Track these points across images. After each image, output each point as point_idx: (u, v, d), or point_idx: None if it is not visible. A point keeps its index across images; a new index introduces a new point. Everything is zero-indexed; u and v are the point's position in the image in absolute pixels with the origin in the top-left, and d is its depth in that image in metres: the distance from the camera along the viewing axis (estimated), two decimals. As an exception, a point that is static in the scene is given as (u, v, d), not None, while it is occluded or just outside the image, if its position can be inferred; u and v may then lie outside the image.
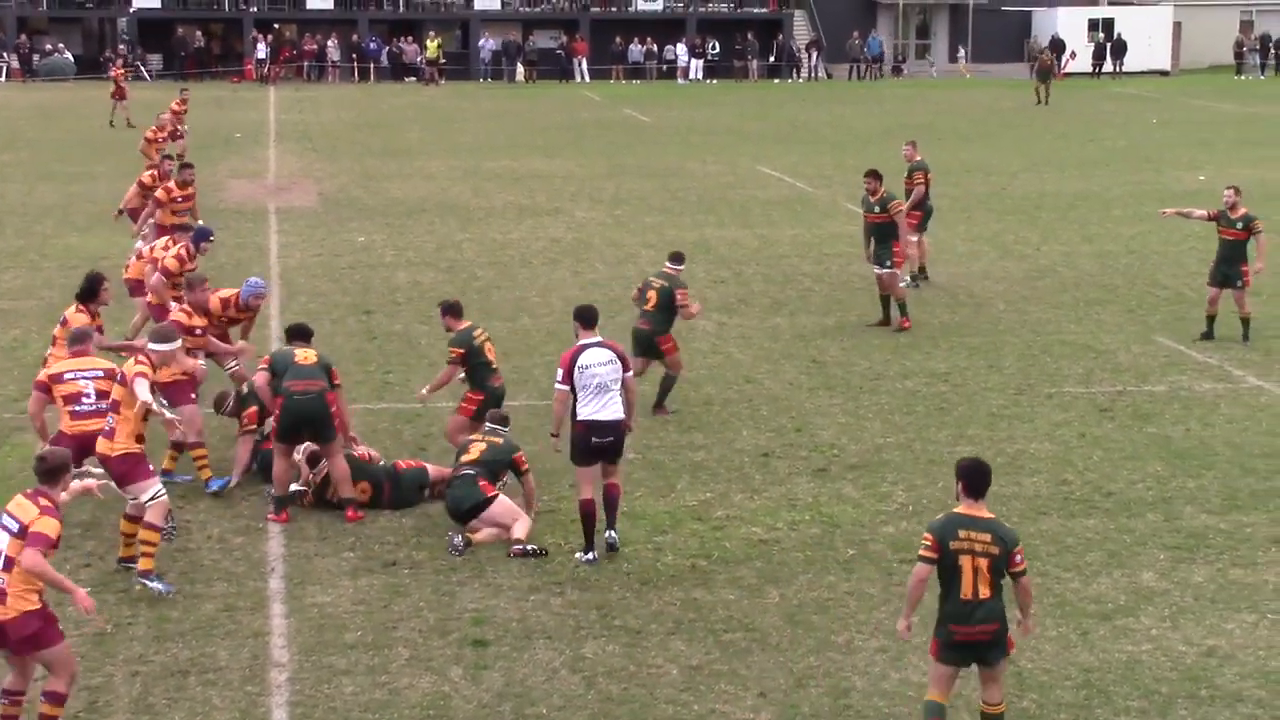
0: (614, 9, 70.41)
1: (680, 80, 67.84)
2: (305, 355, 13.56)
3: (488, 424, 13.71)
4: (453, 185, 33.59)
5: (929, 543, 8.93)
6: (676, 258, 17.05)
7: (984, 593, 8.89)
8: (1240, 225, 19.39)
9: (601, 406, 12.27)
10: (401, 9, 68.77)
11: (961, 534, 8.91)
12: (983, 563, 8.88)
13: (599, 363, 12.31)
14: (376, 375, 17.89)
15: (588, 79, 67.10)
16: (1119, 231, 28.35)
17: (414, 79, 65.43)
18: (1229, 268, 19.43)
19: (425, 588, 11.86)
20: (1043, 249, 26.63)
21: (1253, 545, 12.94)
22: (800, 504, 13.82)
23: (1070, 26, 71.42)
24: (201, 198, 32.42)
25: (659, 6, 70.36)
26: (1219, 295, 19.61)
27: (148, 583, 11.60)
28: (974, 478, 9.02)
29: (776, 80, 68.51)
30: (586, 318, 12.61)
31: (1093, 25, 72.09)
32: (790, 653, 10.82)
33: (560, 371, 12.38)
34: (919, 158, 23.43)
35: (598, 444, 12.30)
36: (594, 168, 36.78)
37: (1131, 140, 43.07)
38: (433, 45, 64.97)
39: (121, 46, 65.24)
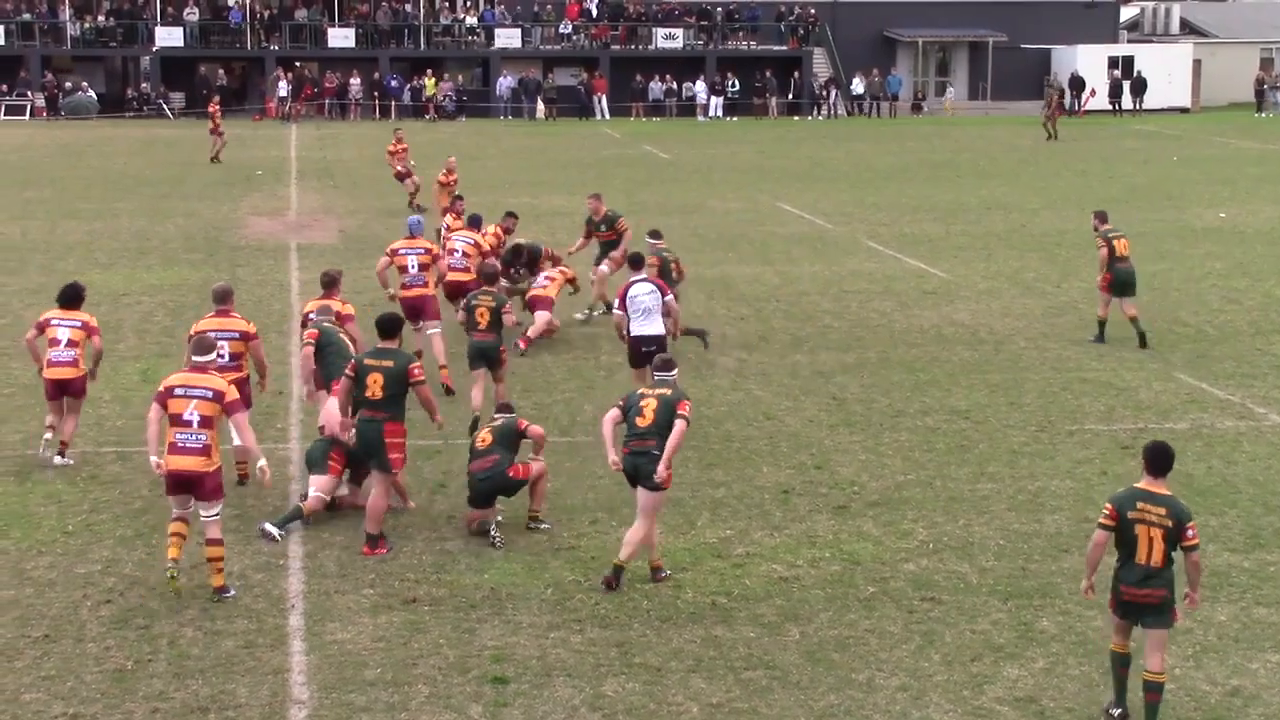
0: (634, 47, 70.77)
1: (700, 117, 68.05)
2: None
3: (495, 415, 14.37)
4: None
5: (1108, 512, 10.06)
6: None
7: (1156, 561, 9.97)
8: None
9: (648, 325, 17.13)
10: (423, 47, 69.19)
11: (1140, 505, 10.02)
12: (1157, 533, 9.96)
13: (644, 293, 17.22)
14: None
15: (608, 116, 67.33)
16: (1140, 269, 28.22)
17: (433, 116, 65.78)
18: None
19: (445, 625, 11.85)
20: (1063, 286, 26.59)
21: (1277, 584, 12.87)
22: (821, 541, 13.79)
23: (1090, 64, 71.50)
24: (222, 234, 32.53)
25: (679, 44, 70.70)
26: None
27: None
28: (1156, 458, 10.10)
29: (796, 118, 68.68)
30: (635, 262, 18.00)
31: (1112, 63, 72.17)
32: (811, 690, 10.78)
33: (616, 300, 17.47)
34: (606, 210, 23.65)
35: (646, 351, 16.75)
36: (615, 205, 36.75)
37: (1152, 177, 43.04)
38: (430, 83, 65.47)
39: (145, 85, 65.75)
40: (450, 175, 33.58)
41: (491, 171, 44.94)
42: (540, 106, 66.98)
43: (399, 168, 37.16)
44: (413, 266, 19.11)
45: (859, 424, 17.66)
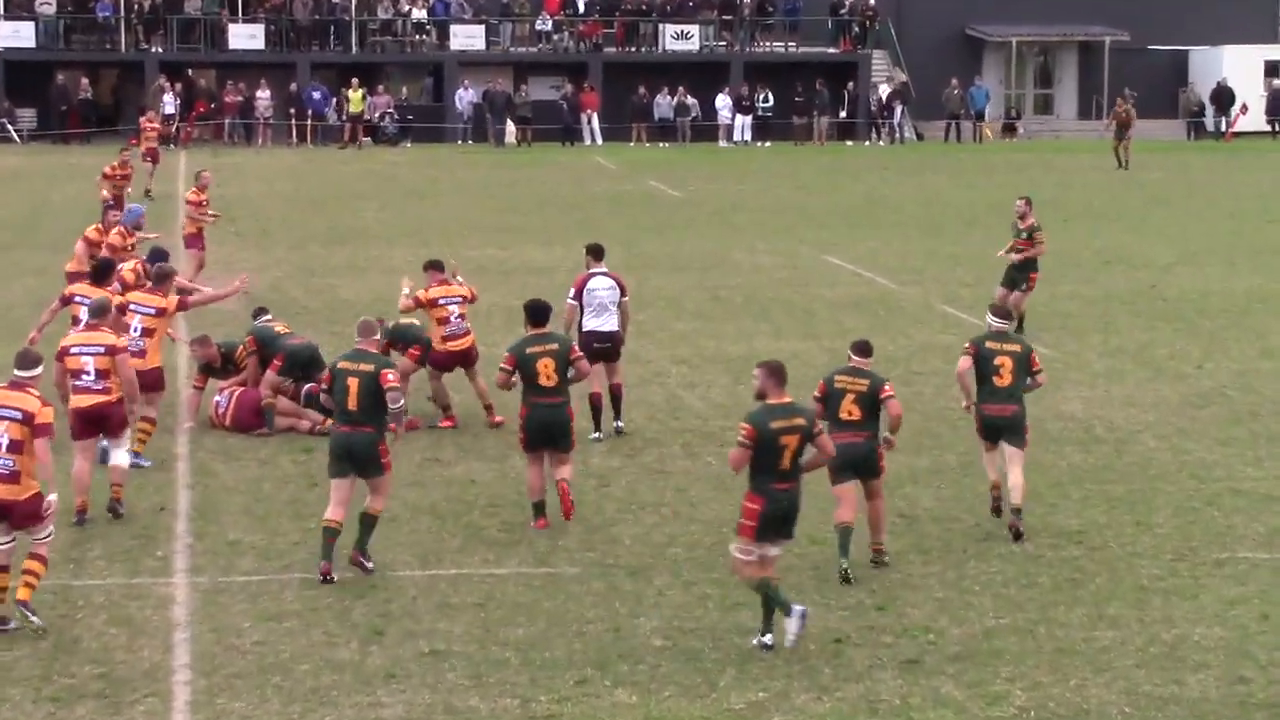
0: (635, 49, 71.36)
1: (723, 142, 68.61)
2: None
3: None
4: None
5: None
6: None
7: None
8: (1026, 236, 28.66)
9: (602, 321, 21.36)
10: (354, 50, 69.77)
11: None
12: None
13: (604, 288, 21.39)
14: (319, 533, 17.94)
15: (600, 140, 67.88)
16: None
17: (370, 139, 66.30)
18: (1018, 272, 28.71)
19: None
20: (1206, 367, 26.68)
21: None
22: (885, 707, 13.77)
23: (1240, 70, 71.80)
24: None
25: (694, 46, 71.31)
26: (1006, 295, 27.85)
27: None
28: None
29: (849, 142, 69.17)
30: (596, 252, 21.80)
31: (1270, 69, 72.66)
32: None
33: (572, 290, 21.46)
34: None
35: (599, 347, 21.04)
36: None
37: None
38: (355, 96, 66.06)
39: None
40: (202, 194, 34.16)
41: (445, 214, 45.23)
42: (510, 128, 67.53)
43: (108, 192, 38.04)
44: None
45: (935, 550, 17.66)
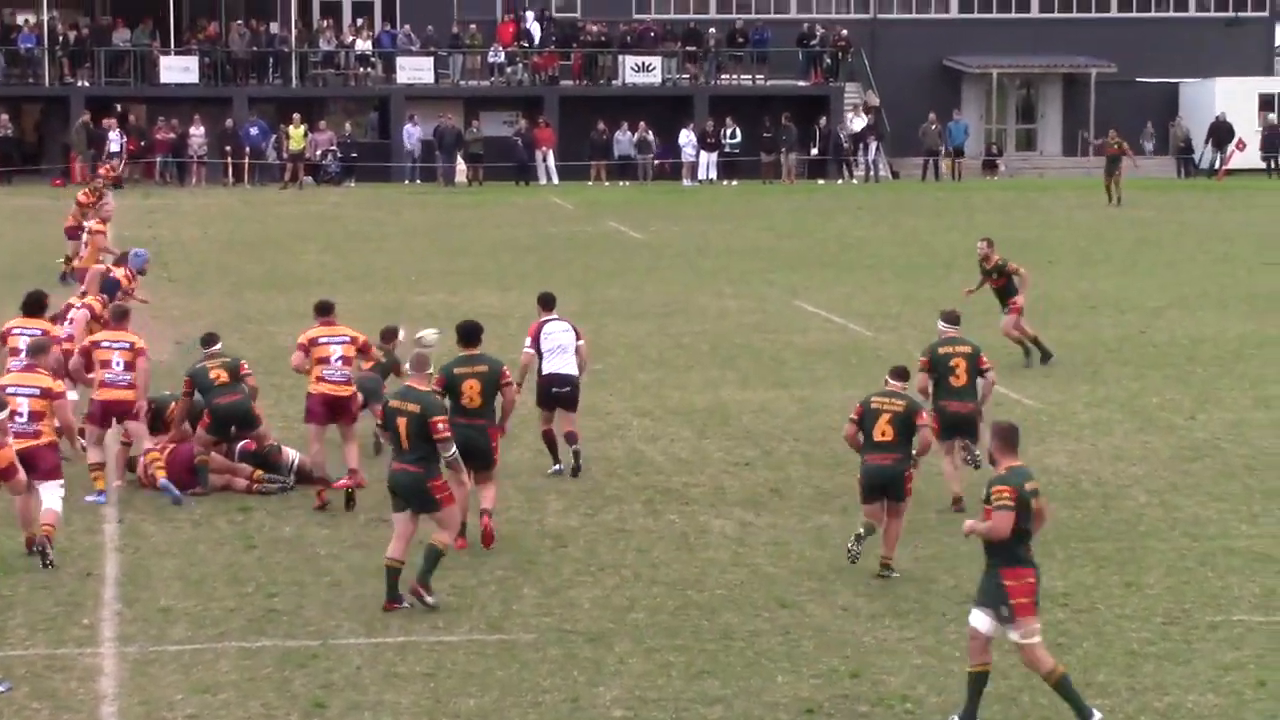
0: (593, 82, 71.49)
1: (687, 181, 68.72)
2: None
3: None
4: (366, 329, 33.79)
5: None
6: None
7: None
8: (996, 274, 30.78)
9: (561, 364, 22.26)
10: (295, 83, 69.78)
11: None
12: None
13: (560, 330, 22.49)
14: (257, 598, 17.92)
15: (556, 179, 67.96)
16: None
17: (311, 179, 66.30)
18: (1001, 303, 31.04)
19: None
20: (1199, 417, 26.77)
21: None
22: (859, 782, 13.76)
23: (1234, 103, 72.07)
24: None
25: (656, 79, 71.47)
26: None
27: None
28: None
29: (821, 181, 69.36)
30: (546, 301, 22.87)
31: (1265, 102, 73.03)
32: None
33: (528, 339, 22.48)
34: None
35: (556, 393, 22.22)
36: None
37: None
38: (297, 133, 66.06)
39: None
40: (91, 196, 35.82)
41: (392, 258, 45.21)
42: (461, 166, 67.61)
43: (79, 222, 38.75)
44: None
45: (913, 613, 17.68)
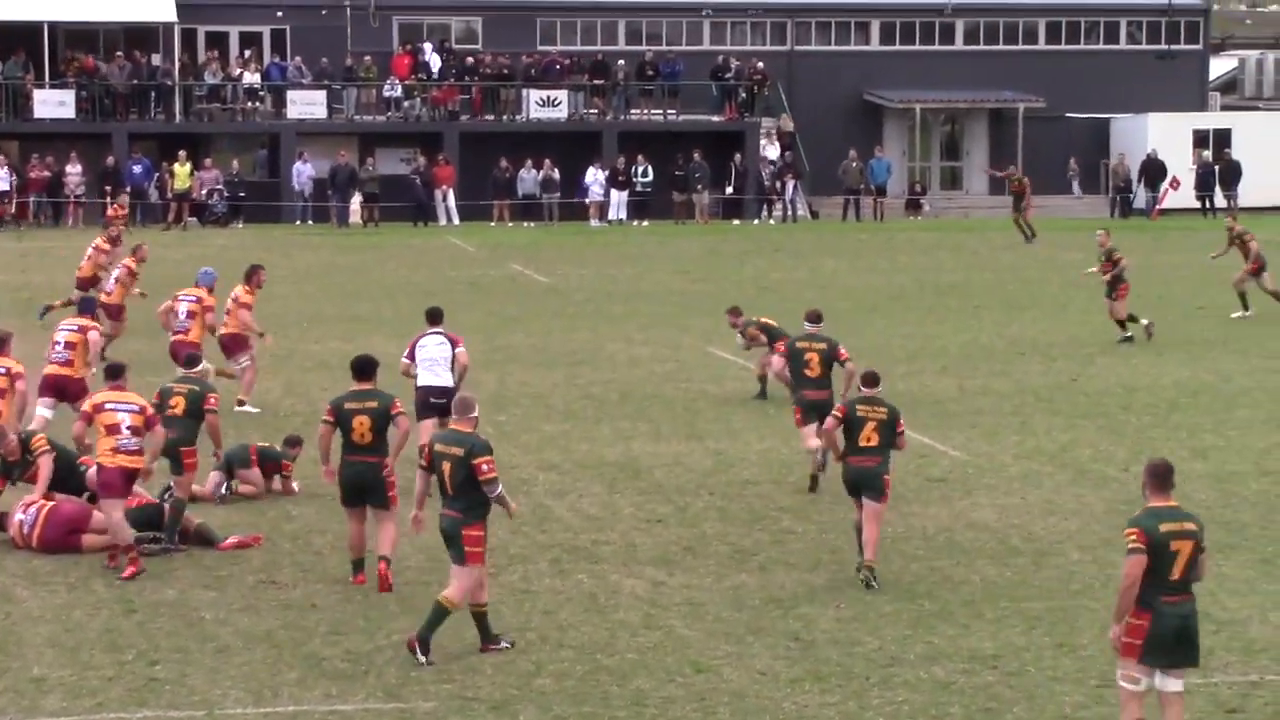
0: (495, 117, 71.56)
1: (594, 222, 68.90)
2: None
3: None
4: (255, 379, 33.69)
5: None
6: None
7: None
8: (1106, 258, 39.09)
9: (435, 376, 24.43)
10: (179, 118, 69.56)
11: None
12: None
13: (434, 344, 24.69)
14: (138, 666, 17.80)
15: (456, 220, 68.04)
16: (1246, 443, 28.75)
17: (196, 219, 66.05)
18: (1108, 287, 39.07)
19: None
20: (1133, 470, 26.90)
21: None
22: None
23: (1167, 139, 72.69)
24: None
25: (562, 114, 71.64)
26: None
27: None
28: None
29: (737, 221, 69.61)
30: (431, 316, 25.23)
31: (1199, 138, 73.75)
32: None
33: (406, 350, 24.93)
34: None
35: (435, 403, 23.96)
36: (468, 350, 36.96)
37: (1263, 307, 43.94)
38: (182, 171, 65.96)
39: None
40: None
41: (282, 304, 44.98)
42: (355, 206, 67.56)
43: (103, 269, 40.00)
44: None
45: (834, 677, 17.69)
